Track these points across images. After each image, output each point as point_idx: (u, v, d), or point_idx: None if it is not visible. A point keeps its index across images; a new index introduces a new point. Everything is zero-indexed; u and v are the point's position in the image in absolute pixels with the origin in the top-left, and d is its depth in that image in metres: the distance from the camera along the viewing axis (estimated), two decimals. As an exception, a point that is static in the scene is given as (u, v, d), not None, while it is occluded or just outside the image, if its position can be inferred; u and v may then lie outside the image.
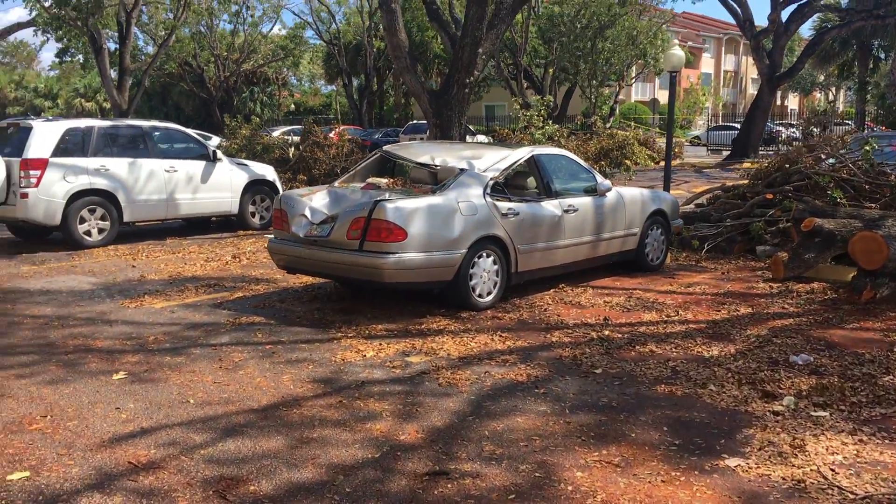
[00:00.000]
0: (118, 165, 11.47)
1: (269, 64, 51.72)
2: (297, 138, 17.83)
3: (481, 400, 4.97)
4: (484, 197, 7.43)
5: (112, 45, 29.50)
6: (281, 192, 12.61)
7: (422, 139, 32.05)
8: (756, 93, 34.08)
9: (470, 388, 5.20)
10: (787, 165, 10.35)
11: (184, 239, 12.23)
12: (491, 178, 7.57)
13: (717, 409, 4.78)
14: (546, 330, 6.65)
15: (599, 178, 8.83)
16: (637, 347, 6.09)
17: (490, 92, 45.71)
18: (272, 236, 7.83)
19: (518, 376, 5.42)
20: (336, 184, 8.15)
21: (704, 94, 60.70)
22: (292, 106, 59.93)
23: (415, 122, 36.77)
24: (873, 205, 9.37)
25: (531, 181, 8.36)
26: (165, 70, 47.15)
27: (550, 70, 38.70)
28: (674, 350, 6.02)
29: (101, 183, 11.26)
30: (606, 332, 6.49)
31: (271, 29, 50.81)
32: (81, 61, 42.50)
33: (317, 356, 5.93)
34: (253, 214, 13.25)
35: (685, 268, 9.54)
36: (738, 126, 41.76)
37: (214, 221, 13.52)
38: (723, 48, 72.14)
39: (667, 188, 13.13)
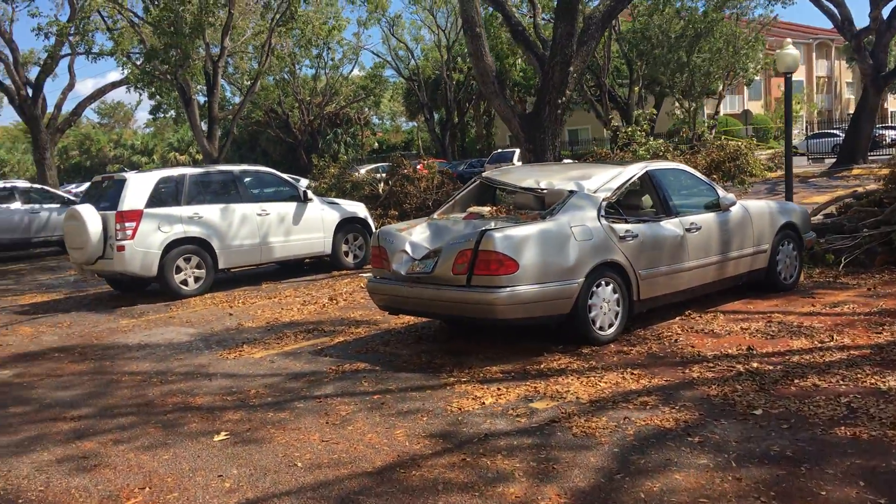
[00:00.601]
0: (211, 212, 11.30)
1: (350, 105, 52.41)
2: (383, 174, 17.58)
3: (626, 453, 4.28)
4: (598, 220, 6.77)
5: (201, 98, 30.25)
6: (373, 228, 12.23)
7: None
8: (856, 96, 32.28)
9: (610, 437, 4.52)
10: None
11: (279, 283, 11.95)
12: (604, 199, 6.91)
13: (919, 456, 3.97)
14: (682, 364, 5.91)
15: (721, 191, 8.04)
16: (796, 381, 5.28)
17: (572, 116, 44.98)
18: (370, 275, 7.36)
19: (664, 422, 4.71)
20: (435, 216, 7.64)
21: (799, 102, 58.30)
22: (375, 144, 60.52)
23: (499, 150, 36.36)
24: None
25: (647, 199, 7.66)
26: (252, 118, 48.35)
27: (636, 89, 37.67)
28: (841, 383, 5.18)
29: (195, 231, 11.10)
30: (755, 364, 5.70)
31: (351, 70, 51.15)
32: (173, 116, 43.96)
33: (430, 405, 5.36)
34: (346, 254, 12.90)
35: (823, 285, 8.59)
36: (837, 132, 39.73)
37: (308, 263, 13.24)
38: (813, 53, 69.34)
39: (789, 198, 12.12)
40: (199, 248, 11.14)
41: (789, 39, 11.92)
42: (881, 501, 3.52)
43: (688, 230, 7.33)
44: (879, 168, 11.35)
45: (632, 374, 5.72)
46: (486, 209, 7.50)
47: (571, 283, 6.39)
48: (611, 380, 5.60)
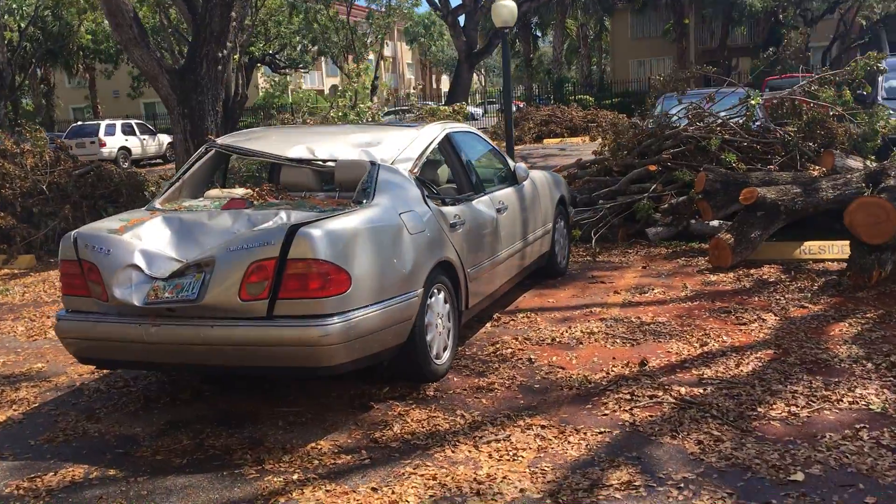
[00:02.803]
0: None
1: None
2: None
3: None
4: (426, 202, 4.80)
5: None
6: None
7: (94, 143, 26.84)
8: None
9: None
10: (659, 131, 8.91)
11: None
12: (410, 174, 4.94)
13: None
14: (584, 399, 4.25)
15: (510, 161, 6.56)
16: (761, 410, 3.95)
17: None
18: (62, 310, 4.40)
19: (700, 518, 3.01)
20: (157, 203, 4.86)
21: (377, 80, 60.52)
22: None
23: (80, 123, 30.96)
24: (771, 167, 8.23)
25: (444, 172, 5.83)
26: None
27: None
28: (816, 407, 3.96)
29: None
30: (680, 390, 4.27)
31: None
32: None
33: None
34: None
35: (591, 266, 7.62)
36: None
37: None
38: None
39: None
40: None
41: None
42: None
43: (498, 210, 5.71)
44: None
45: (540, 426, 3.90)
46: (240, 192, 4.98)
47: (411, 297, 4.34)
48: (521, 443, 3.72)
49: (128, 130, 28.18)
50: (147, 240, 4.21)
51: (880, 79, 10.92)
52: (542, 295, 6.62)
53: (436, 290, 4.66)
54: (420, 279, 4.46)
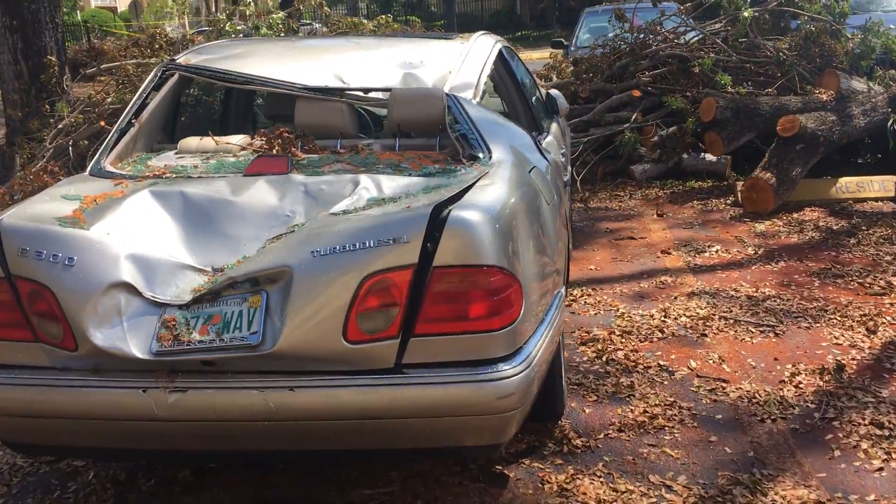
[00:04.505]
0: None
1: None
2: None
3: None
4: (540, 150, 3.23)
5: None
6: None
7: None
8: None
9: None
10: (638, 49, 7.59)
11: None
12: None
13: None
14: (809, 436, 2.92)
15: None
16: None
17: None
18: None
19: None
20: (108, 164, 2.88)
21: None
22: None
23: None
24: (769, 89, 7.17)
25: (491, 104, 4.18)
26: None
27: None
28: None
29: None
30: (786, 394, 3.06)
31: None
32: None
33: None
34: None
35: (591, 215, 6.29)
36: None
37: None
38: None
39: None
40: None
41: None
42: None
43: (563, 156, 4.22)
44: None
45: (800, 501, 2.56)
46: (237, 140, 3.09)
47: (560, 303, 2.79)
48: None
49: None
50: (133, 234, 2.33)
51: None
52: (571, 258, 5.22)
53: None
54: (562, 272, 2.93)
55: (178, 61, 3.30)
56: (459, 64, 3.40)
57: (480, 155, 2.74)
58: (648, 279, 4.73)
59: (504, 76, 3.95)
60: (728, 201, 6.37)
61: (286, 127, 3.08)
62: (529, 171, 2.84)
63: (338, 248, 2.15)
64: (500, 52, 3.88)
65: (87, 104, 7.16)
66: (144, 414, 2.19)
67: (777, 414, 3.09)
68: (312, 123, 3.08)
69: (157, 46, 7.41)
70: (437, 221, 2.17)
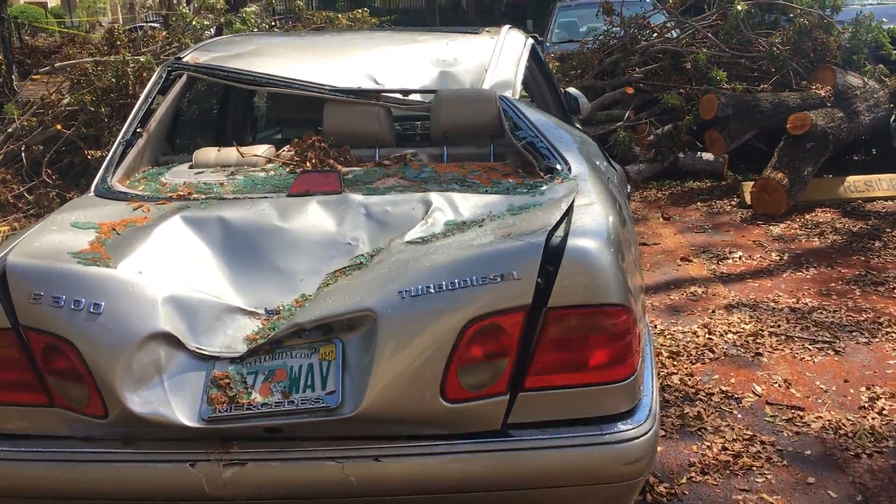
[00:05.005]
0: None
1: None
2: None
3: None
4: (608, 159, 2.90)
5: None
6: None
7: None
8: None
9: None
10: (630, 44, 7.29)
11: None
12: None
13: None
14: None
15: (556, 84, 4.66)
16: None
17: None
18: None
19: None
20: (116, 182, 2.41)
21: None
22: None
23: None
24: (764, 85, 6.95)
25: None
26: None
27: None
28: None
29: None
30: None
31: None
32: None
33: None
34: None
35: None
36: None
37: None
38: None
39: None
40: None
41: None
42: None
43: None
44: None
45: None
46: (261, 150, 2.65)
47: (649, 340, 2.45)
48: None
49: None
50: (169, 272, 1.89)
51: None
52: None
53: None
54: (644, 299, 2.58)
55: (184, 60, 2.84)
56: (495, 60, 3.03)
57: (559, 167, 2.37)
58: (677, 290, 4.42)
59: (537, 75, 3.60)
60: (733, 202, 6.12)
61: (301, 133, 2.68)
62: (609, 187, 2.48)
63: (432, 287, 1.75)
64: (533, 48, 3.51)
65: (39, 105, 6.58)
66: (192, 493, 1.77)
67: (871, 447, 2.79)
68: (344, 130, 2.67)
69: (116, 42, 6.84)
70: (548, 253, 1.79)
